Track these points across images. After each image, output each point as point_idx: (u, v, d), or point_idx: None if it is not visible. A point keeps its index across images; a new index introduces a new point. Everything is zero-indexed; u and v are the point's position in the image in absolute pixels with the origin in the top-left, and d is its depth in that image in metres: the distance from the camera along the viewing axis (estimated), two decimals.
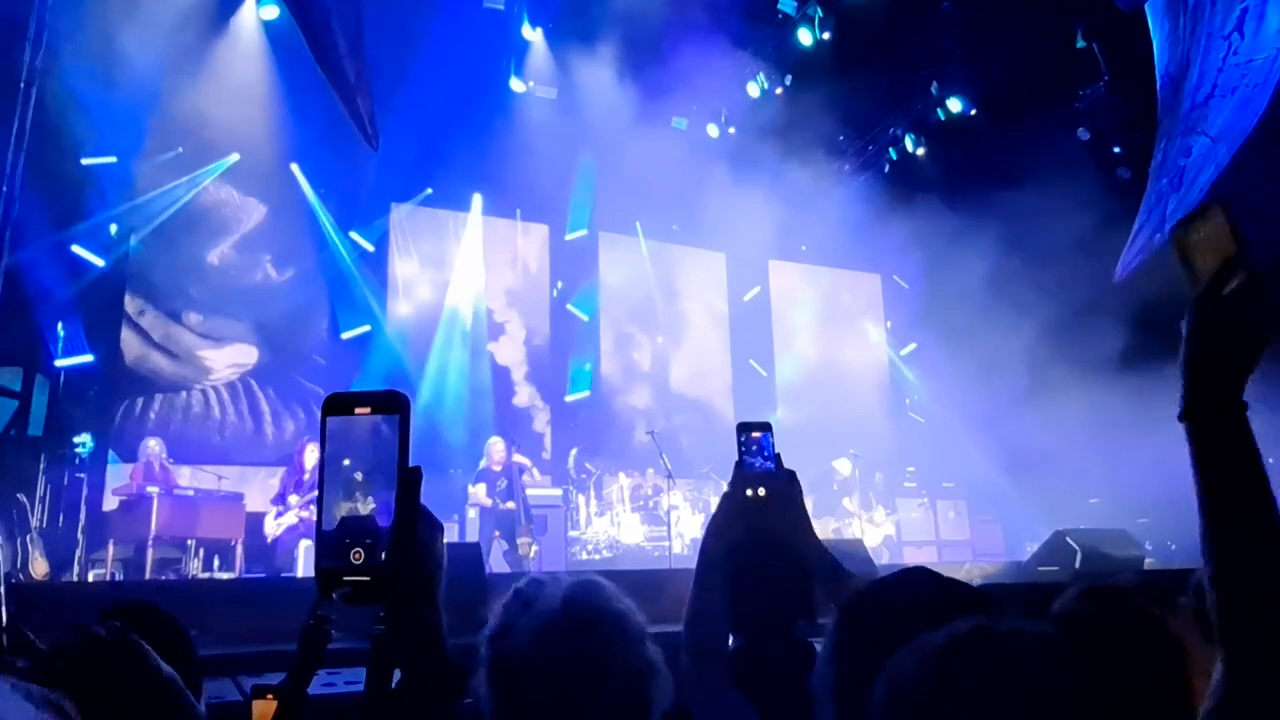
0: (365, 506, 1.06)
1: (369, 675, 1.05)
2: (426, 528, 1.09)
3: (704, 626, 1.94)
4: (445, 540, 1.17)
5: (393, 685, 1.04)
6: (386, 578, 1.03)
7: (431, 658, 1.05)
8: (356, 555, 1.03)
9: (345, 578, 1.04)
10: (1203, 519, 0.97)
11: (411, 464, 1.06)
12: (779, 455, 2.04)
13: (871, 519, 11.78)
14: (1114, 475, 10.54)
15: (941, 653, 0.86)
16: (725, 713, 1.79)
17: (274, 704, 2.49)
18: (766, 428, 2.09)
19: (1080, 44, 12.61)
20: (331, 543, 1.05)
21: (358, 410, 1.07)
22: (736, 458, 2.06)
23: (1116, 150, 13.42)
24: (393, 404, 1.07)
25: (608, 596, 1.37)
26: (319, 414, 1.08)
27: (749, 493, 2.00)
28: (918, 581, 1.30)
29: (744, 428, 2.07)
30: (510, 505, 9.41)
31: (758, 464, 2.05)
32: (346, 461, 1.06)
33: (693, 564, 2.07)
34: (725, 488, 2.08)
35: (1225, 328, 1.00)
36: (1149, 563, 9.34)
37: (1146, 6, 11.04)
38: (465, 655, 1.26)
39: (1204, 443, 0.97)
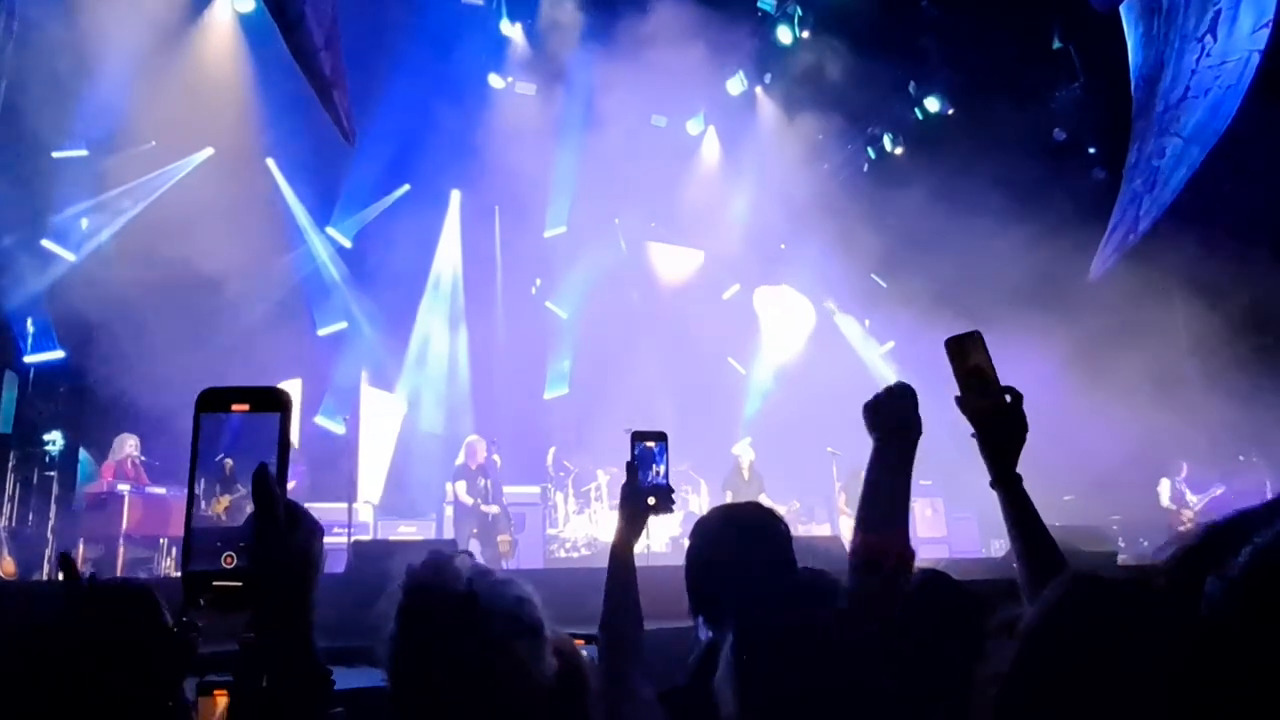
0: (244, 508, 0.98)
1: (236, 682, 1.00)
2: (301, 530, 1.01)
3: (619, 626, 1.98)
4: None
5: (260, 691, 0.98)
6: (254, 583, 0.97)
7: (298, 662, 0.99)
8: (228, 559, 0.97)
9: (214, 583, 0.97)
10: (1012, 542, 1.71)
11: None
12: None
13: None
14: (1087, 473, 10.65)
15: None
16: (638, 705, 1.83)
17: (223, 699, 2.47)
18: (661, 438, 2.11)
19: (1056, 45, 12.74)
20: (202, 545, 0.98)
21: (235, 407, 1.00)
22: (629, 464, 2.09)
23: (1091, 150, 13.56)
24: (273, 401, 1.00)
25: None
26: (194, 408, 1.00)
27: (650, 501, 2.04)
28: None
29: (638, 437, 2.09)
30: (494, 509, 9.38)
31: (650, 477, 2.07)
32: (226, 461, 1.00)
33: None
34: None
35: (1006, 433, 1.74)
36: (1122, 559, 9.44)
37: (1121, 8, 11.14)
38: (338, 658, 1.22)
39: (1007, 499, 1.72)
